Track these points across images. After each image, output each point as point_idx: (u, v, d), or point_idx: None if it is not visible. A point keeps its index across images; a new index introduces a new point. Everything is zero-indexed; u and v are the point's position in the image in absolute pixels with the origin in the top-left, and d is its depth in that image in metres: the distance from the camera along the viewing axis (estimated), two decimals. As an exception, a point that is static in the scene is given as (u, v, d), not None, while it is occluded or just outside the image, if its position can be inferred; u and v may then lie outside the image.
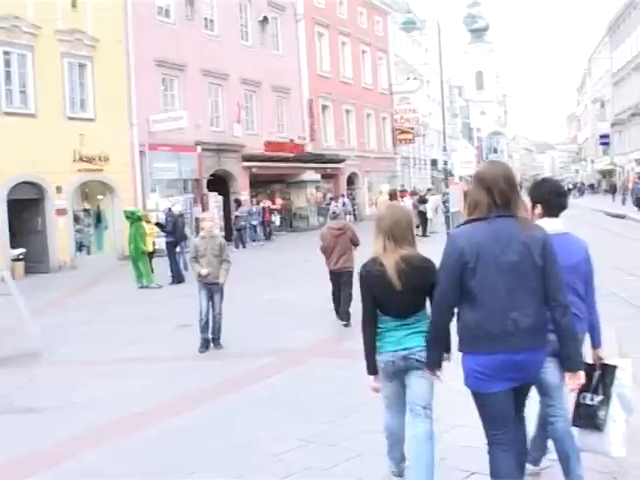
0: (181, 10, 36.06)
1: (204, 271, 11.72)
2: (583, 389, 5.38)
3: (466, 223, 4.92)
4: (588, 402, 5.49)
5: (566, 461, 5.40)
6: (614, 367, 5.55)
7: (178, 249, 22.15)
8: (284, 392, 9.23)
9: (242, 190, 39.92)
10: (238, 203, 36.42)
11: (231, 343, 12.03)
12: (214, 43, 38.30)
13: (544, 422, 5.66)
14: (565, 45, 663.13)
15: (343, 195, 47.10)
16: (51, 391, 10.15)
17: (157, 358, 11.94)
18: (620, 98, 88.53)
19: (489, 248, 4.68)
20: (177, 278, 21.20)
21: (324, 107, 50.52)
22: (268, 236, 38.00)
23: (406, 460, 5.94)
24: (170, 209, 23.45)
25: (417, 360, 5.44)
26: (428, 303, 5.33)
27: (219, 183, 38.35)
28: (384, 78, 61.09)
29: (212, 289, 11.97)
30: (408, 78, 63.60)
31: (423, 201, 35.52)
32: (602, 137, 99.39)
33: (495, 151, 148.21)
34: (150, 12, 34.05)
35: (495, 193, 4.75)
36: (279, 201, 41.83)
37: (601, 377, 5.54)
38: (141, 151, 32.32)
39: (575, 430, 5.51)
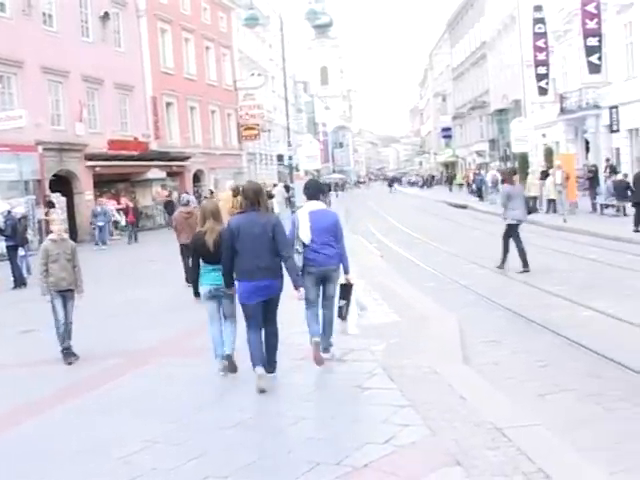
0: (17, 4, 34.76)
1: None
2: (340, 297, 9.94)
3: (237, 214, 9.50)
4: (339, 304, 9.95)
5: (325, 330, 9.80)
6: (352, 285, 10.06)
7: (22, 252, 21.56)
8: (131, 393, 9.11)
9: (86, 190, 39.04)
10: (50, 205, 34.46)
11: (77, 346, 11.65)
12: (53, 39, 37.22)
13: (326, 321, 9.88)
14: (408, 40, 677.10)
15: (187, 192, 46.56)
16: None
17: (-1, 365, 11.53)
18: (460, 92, 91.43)
19: (245, 226, 8.75)
20: (19, 282, 20.62)
21: (168, 104, 49.98)
22: (135, 237, 36.16)
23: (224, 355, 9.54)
24: (9, 212, 22.73)
25: (223, 291, 9.29)
26: None
27: (62, 183, 37.39)
28: (228, 74, 60.92)
29: (67, 296, 11.28)
30: (252, 74, 63.71)
31: (269, 197, 35.53)
32: (444, 130, 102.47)
33: (341, 145, 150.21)
34: (-16, 6, 32.80)
35: (248, 198, 8.98)
36: (125, 200, 40.91)
37: (345, 290, 9.98)
38: (-22, 151, 31.17)
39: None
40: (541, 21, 48.96)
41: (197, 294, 9.78)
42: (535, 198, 35.70)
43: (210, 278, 9.43)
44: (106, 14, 41.95)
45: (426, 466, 5.98)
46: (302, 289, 9.07)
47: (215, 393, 8.75)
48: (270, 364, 8.95)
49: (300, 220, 9.62)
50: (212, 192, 38.23)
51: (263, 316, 8.91)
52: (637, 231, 23.46)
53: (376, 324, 11.87)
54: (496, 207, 41.80)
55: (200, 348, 11.28)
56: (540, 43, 49.18)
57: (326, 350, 9.74)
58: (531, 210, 34.59)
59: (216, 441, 7.03)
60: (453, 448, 6.29)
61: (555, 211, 33.16)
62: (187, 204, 19.78)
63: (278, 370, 9.12)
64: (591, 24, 38.92)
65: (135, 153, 42.79)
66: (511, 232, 17.81)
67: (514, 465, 5.85)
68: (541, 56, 49.29)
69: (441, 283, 16.92)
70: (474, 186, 54.27)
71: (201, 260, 9.59)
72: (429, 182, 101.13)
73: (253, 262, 8.66)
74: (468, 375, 8.78)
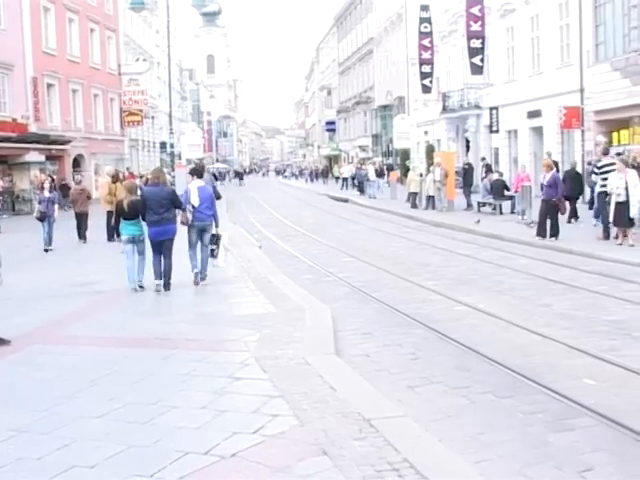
0: None
1: None
2: (212, 243, 15.09)
3: (147, 186, 16.77)
4: (211, 247, 15.02)
5: (203, 266, 15.17)
6: (220, 235, 15.20)
7: None
8: (-1, 381, 8.89)
9: (-40, 171, 37.79)
10: None
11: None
12: None
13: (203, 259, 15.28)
14: (295, 33, 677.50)
15: (64, 179, 45.57)
16: None
17: None
18: (345, 87, 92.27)
19: (152, 193, 14.76)
20: None
21: (49, 86, 48.80)
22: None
23: (136, 282, 14.67)
24: None
25: (139, 238, 14.78)
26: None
27: None
28: (113, 58, 59.96)
29: None
30: (138, 59, 62.80)
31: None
32: (328, 123, 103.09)
33: (225, 135, 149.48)
34: None
35: (152, 177, 16.02)
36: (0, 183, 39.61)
37: (216, 239, 15.02)
38: None
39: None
40: (427, 21, 49.77)
41: (118, 237, 16.33)
42: (415, 194, 36.34)
43: (129, 230, 14.74)
44: (-15, -11, 40.65)
45: (294, 456, 6.02)
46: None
47: (86, 382, 8.55)
48: (166, 284, 14.62)
49: (191, 191, 15.10)
50: (53, 179, 41.83)
51: (162, 251, 14.60)
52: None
53: (251, 315, 11.91)
54: (376, 201, 42.44)
55: (71, 336, 11.08)
56: (425, 42, 49.99)
57: (203, 279, 15.13)
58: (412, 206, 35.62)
59: (84, 430, 6.91)
60: (321, 438, 6.35)
61: (434, 207, 33.78)
62: (79, 183, 28.34)
63: (149, 360, 9.48)
64: (475, 26, 39.73)
65: (13, 135, 41.63)
66: None
67: (380, 455, 5.95)
68: (426, 55, 50.10)
69: (318, 275, 17.05)
70: (356, 180, 54.62)
71: (122, 219, 14.86)
72: (315, 175, 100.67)
73: (158, 214, 14.38)
74: (339, 366, 8.85)
